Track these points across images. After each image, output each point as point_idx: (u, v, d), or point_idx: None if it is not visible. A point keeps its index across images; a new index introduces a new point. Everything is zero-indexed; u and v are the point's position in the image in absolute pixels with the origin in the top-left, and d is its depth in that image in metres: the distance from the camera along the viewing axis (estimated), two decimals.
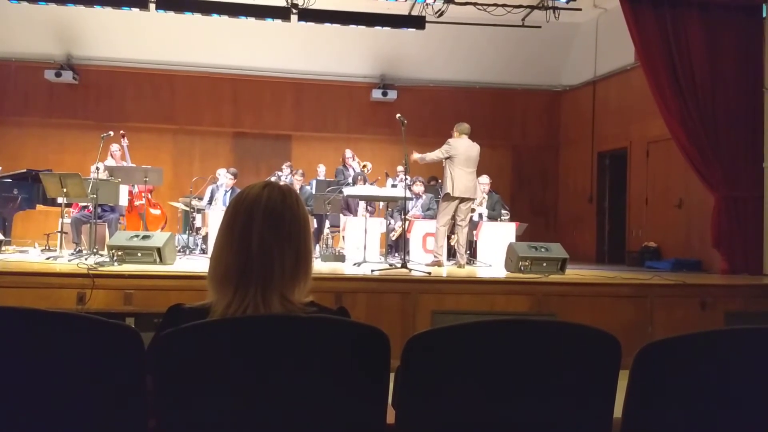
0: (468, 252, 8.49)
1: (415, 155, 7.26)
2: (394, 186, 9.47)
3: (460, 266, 7.09)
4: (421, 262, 7.33)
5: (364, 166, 9.81)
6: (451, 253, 8.66)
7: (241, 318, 1.49)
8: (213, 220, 8.43)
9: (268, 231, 1.56)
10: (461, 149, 7.10)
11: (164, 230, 8.30)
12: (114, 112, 11.61)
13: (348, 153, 10.06)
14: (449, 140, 7.19)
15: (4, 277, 5.00)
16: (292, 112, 12.34)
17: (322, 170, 10.38)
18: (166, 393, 1.39)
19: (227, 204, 9.11)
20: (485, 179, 9.10)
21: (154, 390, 1.39)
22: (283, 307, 1.54)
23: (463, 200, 7.12)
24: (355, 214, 9.17)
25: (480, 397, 1.45)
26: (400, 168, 9.81)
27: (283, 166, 10.04)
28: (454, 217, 7.14)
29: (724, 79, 7.77)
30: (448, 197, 7.08)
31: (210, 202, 9.16)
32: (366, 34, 10.63)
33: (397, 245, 8.61)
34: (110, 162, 8.56)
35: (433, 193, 9.59)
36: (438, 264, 7.06)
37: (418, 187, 9.16)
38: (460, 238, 7.20)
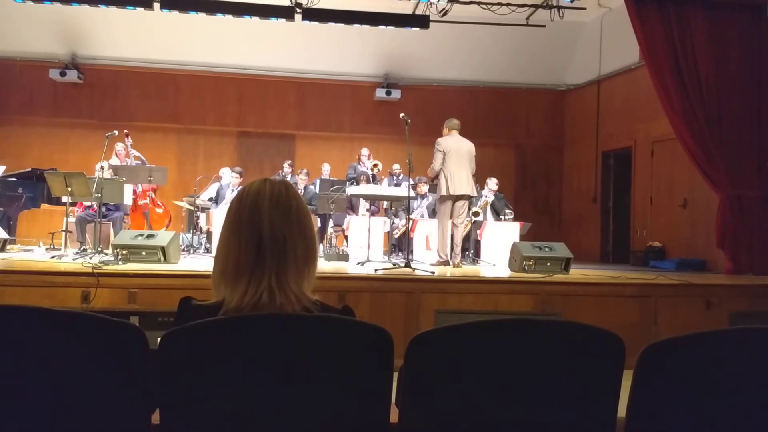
0: (472, 251, 8.49)
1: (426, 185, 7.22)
2: (397, 185, 9.47)
3: (456, 266, 7.02)
4: (424, 261, 7.33)
5: (375, 166, 9.80)
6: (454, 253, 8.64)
7: (245, 316, 1.49)
8: (218, 219, 8.44)
9: (277, 215, 1.58)
10: (450, 146, 6.98)
11: (168, 229, 8.32)
12: (118, 112, 11.64)
13: (364, 151, 10.08)
14: (438, 140, 7.07)
15: (9, 276, 5.02)
16: (296, 112, 12.35)
17: (326, 169, 10.38)
18: (170, 391, 1.39)
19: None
20: (493, 185, 9.07)
21: (159, 388, 1.39)
22: (296, 297, 1.55)
23: (458, 198, 7.02)
24: (357, 213, 9.17)
25: (483, 397, 1.45)
26: (396, 166, 9.81)
27: (284, 164, 10.06)
28: (451, 216, 7.08)
29: (729, 79, 7.75)
30: (444, 197, 7.00)
31: (216, 200, 9.17)
32: (370, 34, 10.63)
33: (401, 244, 8.61)
34: (115, 161, 8.57)
35: (437, 193, 9.57)
36: (444, 264, 7.03)
37: (423, 187, 9.16)
38: (456, 237, 7.13)
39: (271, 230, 1.56)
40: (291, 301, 1.54)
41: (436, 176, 7.07)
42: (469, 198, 7.22)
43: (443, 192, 7.00)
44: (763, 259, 7.57)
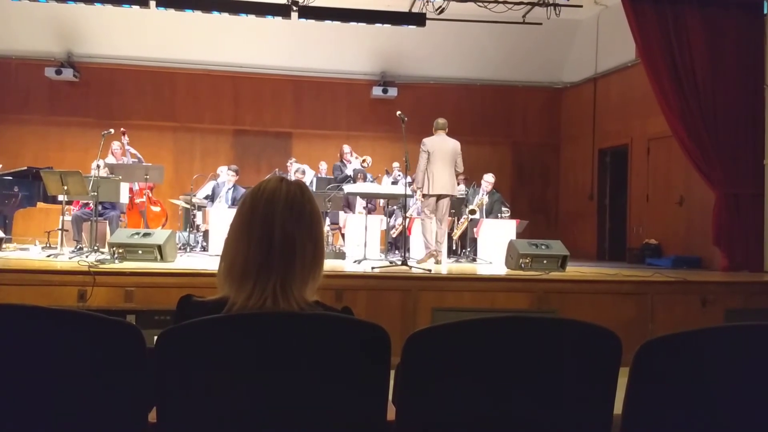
0: (469, 249, 8.50)
1: (417, 192, 7.36)
2: (394, 183, 9.47)
3: (437, 262, 7.10)
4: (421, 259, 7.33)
5: (364, 161, 9.80)
6: (452, 250, 8.67)
7: (245, 315, 1.49)
8: (214, 217, 8.43)
9: (290, 221, 1.56)
10: (435, 146, 7.13)
11: (165, 228, 8.30)
12: (115, 110, 11.60)
13: (346, 148, 10.07)
14: (423, 140, 7.22)
15: (5, 275, 5.01)
16: (292, 110, 12.33)
17: (323, 167, 10.37)
18: (168, 389, 1.39)
19: (230, 201, 9.05)
20: (490, 178, 9.08)
21: (157, 385, 1.39)
22: (297, 303, 1.54)
23: (440, 197, 7.16)
24: (354, 211, 9.16)
25: (480, 394, 1.45)
26: (396, 164, 9.81)
27: (288, 163, 10.00)
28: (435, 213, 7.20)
29: (725, 76, 7.76)
30: (427, 196, 7.14)
31: (211, 198, 9.16)
32: (366, 31, 10.62)
33: (398, 242, 8.61)
34: (111, 160, 8.55)
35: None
36: (431, 255, 7.05)
37: None
38: (439, 234, 7.23)
39: (283, 235, 1.55)
40: (293, 307, 1.54)
41: (424, 175, 7.17)
42: (450, 197, 7.34)
43: (429, 191, 7.12)
44: (759, 256, 7.59)
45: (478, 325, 1.46)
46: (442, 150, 7.12)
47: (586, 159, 11.75)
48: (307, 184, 9.44)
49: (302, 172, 9.59)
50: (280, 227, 1.55)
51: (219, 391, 1.38)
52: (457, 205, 8.67)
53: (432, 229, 7.18)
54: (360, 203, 9.11)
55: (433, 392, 1.45)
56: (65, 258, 6.08)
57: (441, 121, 7.32)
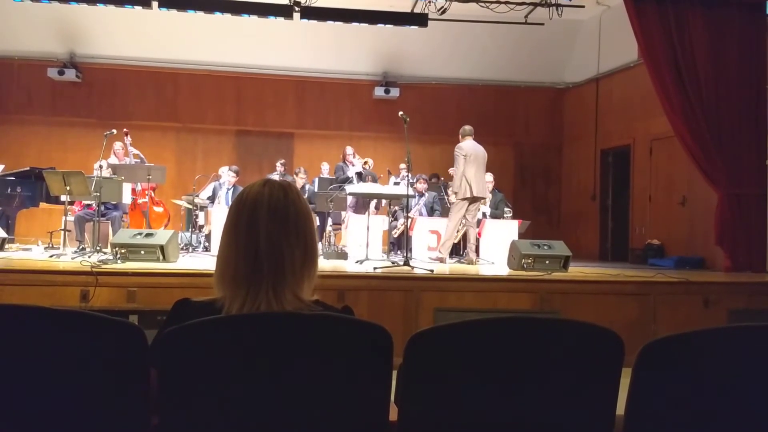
0: None
1: (452, 196, 7.56)
2: (396, 184, 9.47)
3: (471, 263, 7.26)
4: (423, 259, 7.34)
5: (365, 162, 9.80)
6: (455, 251, 8.68)
7: (246, 315, 1.50)
8: (216, 218, 8.45)
9: (274, 227, 1.56)
10: (470, 150, 7.35)
11: (167, 228, 8.31)
12: (117, 111, 11.63)
13: (349, 150, 10.08)
14: (459, 145, 7.43)
15: (7, 275, 5.02)
16: (294, 110, 12.35)
17: (325, 168, 10.37)
18: (170, 390, 1.39)
19: (229, 201, 9.12)
20: (489, 177, 9.09)
21: (158, 386, 1.39)
22: (294, 304, 1.54)
23: (475, 200, 7.34)
24: (365, 213, 9.15)
25: (482, 395, 1.45)
26: (402, 165, 9.82)
27: (277, 164, 10.03)
28: (464, 216, 7.37)
29: (728, 76, 7.75)
30: (465, 199, 7.28)
31: (213, 199, 9.17)
32: (368, 32, 10.62)
33: (400, 243, 8.60)
34: (113, 160, 8.56)
35: (435, 191, 9.57)
36: (441, 261, 7.13)
37: (422, 185, 9.16)
38: (471, 236, 7.40)
39: (269, 243, 1.55)
40: (287, 309, 1.54)
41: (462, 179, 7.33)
42: (483, 200, 7.61)
43: (465, 195, 7.27)
44: (761, 256, 7.58)
45: (481, 326, 1.46)
46: (477, 154, 7.36)
47: (588, 159, 11.74)
48: (305, 184, 9.46)
49: (304, 172, 9.59)
50: (264, 235, 1.55)
51: (220, 392, 1.38)
52: None
53: (451, 235, 7.42)
54: (371, 204, 9.12)
55: (436, 393, 1.45)
56: (68, 258, 6.09)
57: (468, 127, 7.59)
